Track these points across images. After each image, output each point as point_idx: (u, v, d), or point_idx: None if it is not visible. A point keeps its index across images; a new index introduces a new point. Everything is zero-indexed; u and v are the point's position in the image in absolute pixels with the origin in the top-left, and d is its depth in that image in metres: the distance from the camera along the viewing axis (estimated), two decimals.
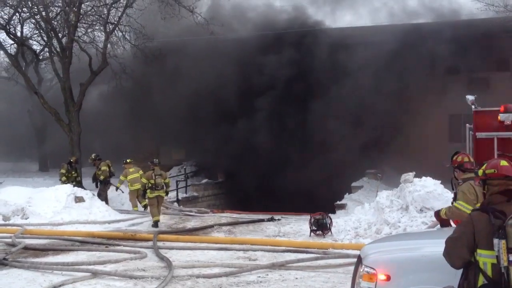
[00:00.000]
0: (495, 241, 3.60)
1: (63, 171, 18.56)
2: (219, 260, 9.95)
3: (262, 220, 14.78)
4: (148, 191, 14.21)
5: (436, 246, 4.75)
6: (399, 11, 22.54)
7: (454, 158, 6.85)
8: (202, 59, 21.90)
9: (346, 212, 15.55)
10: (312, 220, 12.48)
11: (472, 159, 6.80)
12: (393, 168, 20.35)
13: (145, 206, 15.99)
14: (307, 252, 10.27)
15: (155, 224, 14.04)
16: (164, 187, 14.34)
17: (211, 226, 13.97)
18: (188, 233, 13.17)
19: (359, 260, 5.40)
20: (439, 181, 12.58)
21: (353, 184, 18.49)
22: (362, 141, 18.86)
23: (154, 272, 8.93)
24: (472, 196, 6.35)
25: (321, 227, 12.37)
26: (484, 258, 3.70)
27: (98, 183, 17.93)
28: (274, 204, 17.95)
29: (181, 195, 19.41)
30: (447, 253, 3.93)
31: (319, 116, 19.71)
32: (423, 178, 12.58)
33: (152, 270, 9.14)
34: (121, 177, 17.24)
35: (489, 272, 3.68)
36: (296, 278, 8.60)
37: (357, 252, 8.81)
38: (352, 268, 6.82)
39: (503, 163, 4.00)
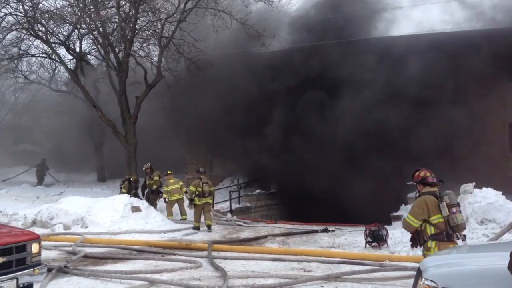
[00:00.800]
0: None
1: (125, 190, 18.89)
2: (274, 270, 9.91)
3: (316, 231, 14.68)
4: (196, 198, 15.32)
5: (499, 259, 4.59)
6: (460, 16, 21.86)
7: (417, 174, 7.08)
8: (251, 70, 22.02)
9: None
10: (368, 231, 12.29)
11: (434, 175, 7.03)
12: (451, 179, 19.78)
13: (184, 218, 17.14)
14: (362, 264, 10.08)
15: (196, 228, 15.37)
16: (211, 195, 15.69)
17: (265, 237, 13.99)
18: (242, 243, 13.21)
19: (419, 273, 5.29)
20: (501, 192, 12.17)
21: (409, 195, 18.04)
22: (418, 150, 18.41)
23: (209, 282, 8.99)
24: (420, 210, 6.72)
25: (376, 239, 12.16)
26: None
27: (149, 193, 18.69)
28: (327, 215, 17.74)
29: (234, 206, 19.55)
30: None
31: (373, 125, 19.39)
32: (484, 189, 12.22)
33: (207, 279, 9.21)
34: (165, 188, 17.94)
35: None
36: None
37: (415, 265, 8.63)
38: (410, 281, 6.68)
39: None
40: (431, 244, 6.66)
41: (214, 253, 11.41)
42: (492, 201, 11.55)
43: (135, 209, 15.81)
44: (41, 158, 32.32)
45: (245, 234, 14.87)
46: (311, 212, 18.90)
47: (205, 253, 11.47)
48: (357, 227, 14.88)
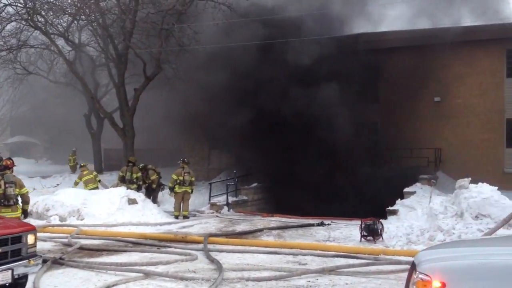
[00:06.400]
0: None
1: (122, 174, 18.92)
2: (269, 263, 9.94)
3: (312, 225, 14.71)
4: (176, 186, 16.78)
5: (494, 254, 4.61)
6: None
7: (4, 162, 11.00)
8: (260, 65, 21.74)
9: (398, 218, 15.23)
10: (363, 225, 12.32)
11: (10, 163, 11.05)
12: (447, 174, 19.85)
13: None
14: (357, 258, 10.11)
15: (175, 217, 16.59)
16: (191, 184, 16.99)
17: (261, 230, 14.01)
18: (237, 236, 13.22)
19: (413, 266, 5.27)
20: (496, 188, 12.19)
21: (406, 189, 18.07)
22: (415, 146, 18.42)
23: (205, 274, 9.00)
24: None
25: (372, 233, 12.20)
26: None
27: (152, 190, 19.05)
28: (323, 209, 17.72)
29: (231, 199, 19.53)
30: None
31: (371, 122, 19.36)
32: (479, 184, 12.23)
33: (203, 272, 9.22)
34: (77, 180, 19.49)
35: None
36: (347, 284, 8.49)
37: (409, 259, 8.66)
38: (404, 275, 6.70)
39: None
40: None
41: (210, 246, 11.43)
42: (487, 197, 11.56)
43: (132, 201, 15.84)
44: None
45: (241, 227, 14.89)
46: (306, 205, 18.84)
47: (201, 245, 11.49)
48: (353, 221, 14.91)
